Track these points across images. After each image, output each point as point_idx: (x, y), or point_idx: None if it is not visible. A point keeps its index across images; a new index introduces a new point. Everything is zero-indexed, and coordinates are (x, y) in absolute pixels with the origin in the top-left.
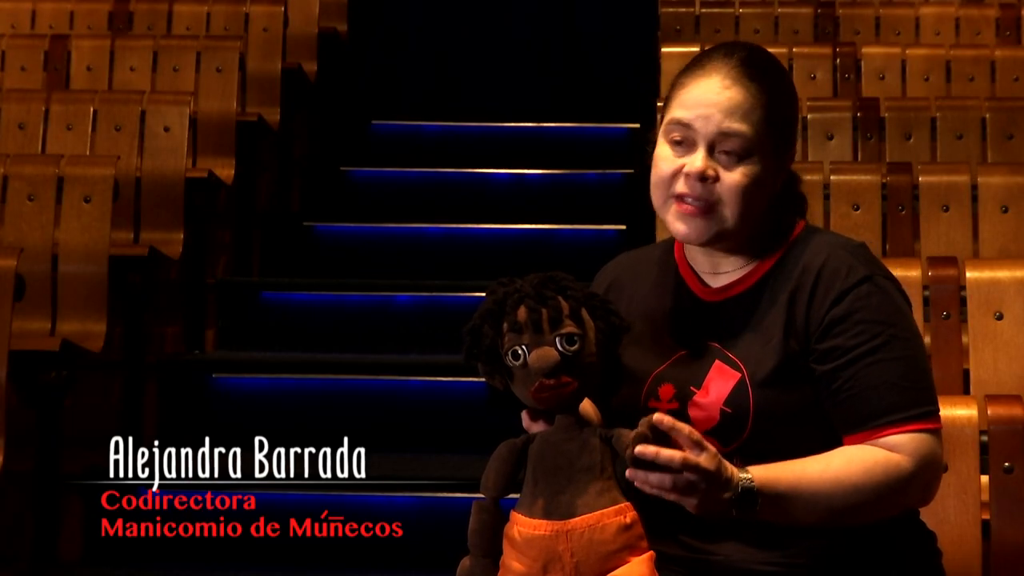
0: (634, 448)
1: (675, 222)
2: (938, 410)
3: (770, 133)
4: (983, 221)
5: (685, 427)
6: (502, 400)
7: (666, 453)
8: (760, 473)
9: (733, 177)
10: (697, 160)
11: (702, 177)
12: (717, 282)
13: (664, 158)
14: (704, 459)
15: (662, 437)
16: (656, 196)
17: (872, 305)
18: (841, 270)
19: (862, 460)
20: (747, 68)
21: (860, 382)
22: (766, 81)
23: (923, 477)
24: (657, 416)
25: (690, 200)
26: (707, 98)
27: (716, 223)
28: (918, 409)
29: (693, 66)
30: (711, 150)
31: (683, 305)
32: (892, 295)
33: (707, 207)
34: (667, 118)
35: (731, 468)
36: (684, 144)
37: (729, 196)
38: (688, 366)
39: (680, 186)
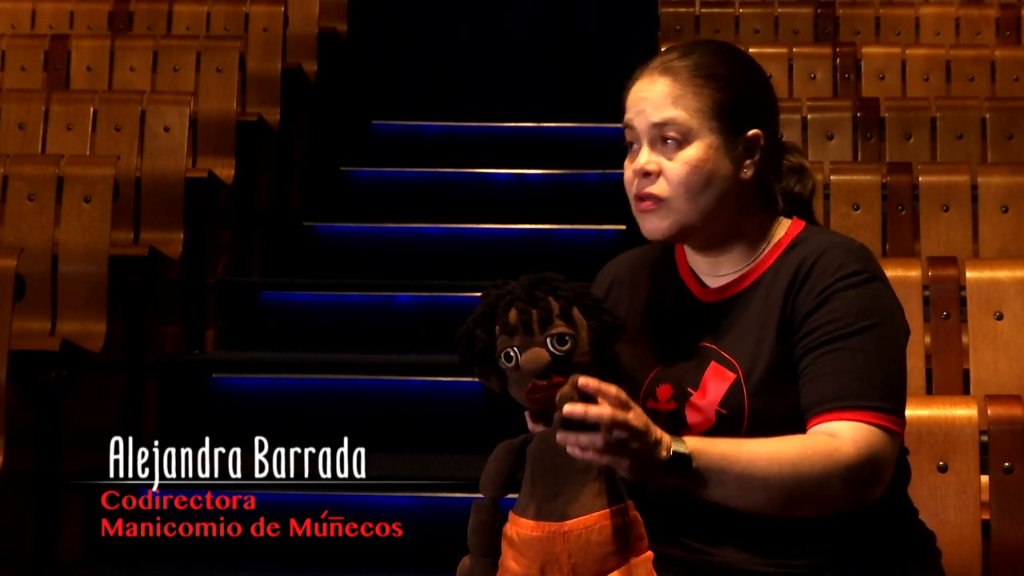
0: (561, 410)
1: (640, 223)
2: (895, 412)
3: (711, 114)
4: (983, 221)
5: (611, 388)
6: (499, 403)
7: (594, 410)
8: (693, 441)
9: (673, 167)
10: (641, 158)
11: (644, 173)
12: (715, 283)
13: (625, 167)
14: (632, 416)
15: (589, 399)
16: (630, 204)
17: (849, 297)
18: (830, 267)
19: (801, 442)
20: (678, 60)
21: (818, 368)
22: (701, 66)
23: (863, 470)
24: (583, 380)
25: (644, 197)
26: (638, 95)
27: (669, 215)
28: (868, 401)
29: (634, 73)
30: (653, 144)
31: (681, 306)
32: (879, 293)
33: (657, 201)
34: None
35: (662, 432)
36: (635, 146)
37: (672, 187)
38: (685, 367)
39: (636, 186)
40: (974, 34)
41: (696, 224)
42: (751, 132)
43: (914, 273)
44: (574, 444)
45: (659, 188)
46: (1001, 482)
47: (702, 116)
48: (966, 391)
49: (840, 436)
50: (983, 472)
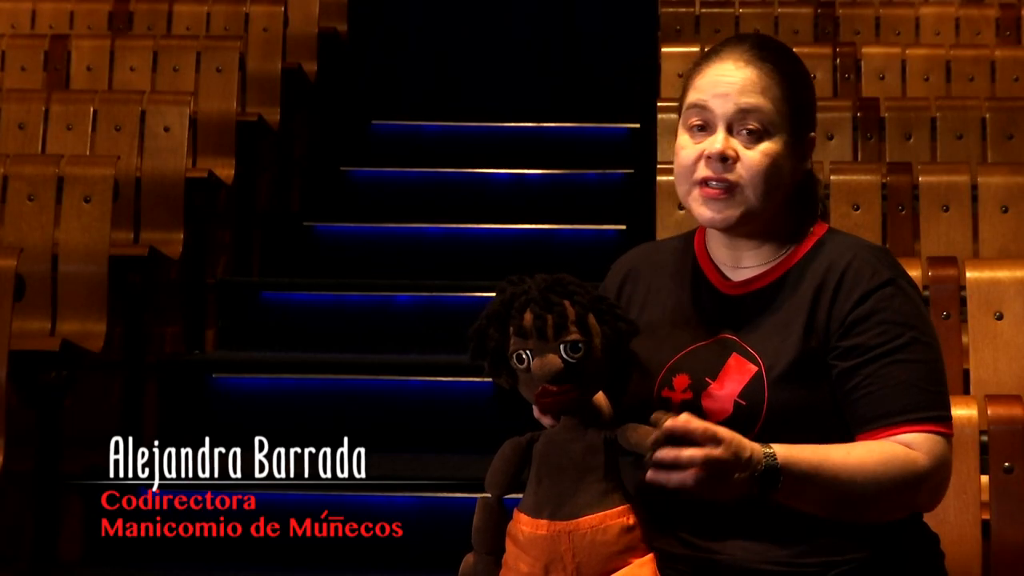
0: (653, 453)
1: (700, 208)
2: (951, 416)
3: (788, 112)
4: (983, 221)
5: (698, 425)
6: (508, 398)
7: (687, 453)
8: (783, 452)
9: (754, 157)
10: (717, 141)
11: (723, 157)
12: (738, 276)
13: (684, 146)
14: (721, 451)
15: (678, 440)
16: (680, 186)
17: (895, 307)
18: (865, 271)
19: (881, 451)
20: (759, 51)
21: (880, 380)
22: (779, 62)
23: (935, 478)
24: (669, 423)
25: (713, 183)
26: (723, 78)
27: (740, 204)
28: (935, 411)
29: (706, 56)
30: (730, 130)
31: (702, 297)
32: (914, 299)
33: (729, 189)
34: (685, 106)
35: (750, 447)
36: (704, 129)
37: (751, 176)
38: (705, 357)
39: (702, 170)
40: (974, 34)
41: (756, 215)
42: (811, 135)
43: (914, 273)
44: (666, 481)
45: (735, 175)
46: (1001, 482)
47: (784, 112)
48: (966, 391)
49: (914, 446)
50: (983, 472)
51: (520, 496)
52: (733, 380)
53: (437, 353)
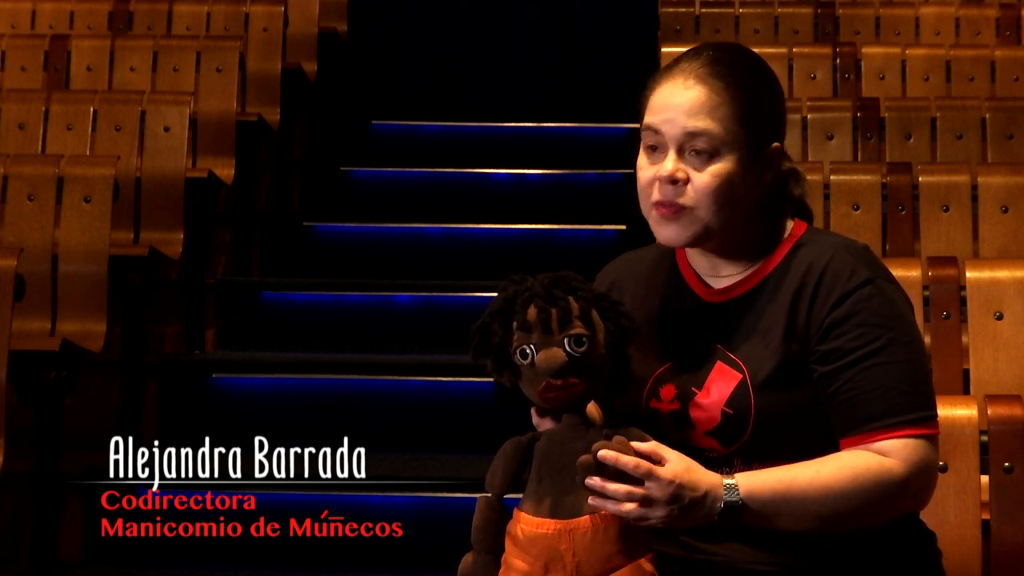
0: (582, 477)
1: (656, 228)
2: (936, 415)
3: (741, 129)
4: (983, 221)
5: (629, 460)
6: (510, 397)
7: (611, 487)
8: (747, 483)
9: (702, 179)
10: (667, 164)
11: (672, 180)
12: (719, 283)
13: (641, 167)
14: (655, 490)
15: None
16: (641, 206)
17: (873, 308)
18: (844, 272)
19: (852, 467)
20: (711, 67)
21: (857, 385)
22: (734, 77)
23: (915, 483)
24: (602, 453)
25: (665, 204)
26: (671, 100)
27: (692, 224)
28: (914, 414)
29: (661, 73)
30: (680, 152)
31: (685, 306)
32: (894, 298)
33: (679, 210)
34: (642, 126)
35: (707, 483)
36: (657, 149)
37: (701, 197)
38: (690, 367)
39: (655, 193)
40: (974, 34)
41: (714, 232)
42: (772, 146)
43: (914, 273)
44: (602, 488)
45: (685, 198)
46: (1001, 482)
47: (734, 131)
48: (966, 391)
49: (890, 454)
50: (983, 472)
51: (520, 496)
52: (718, 388)
53: (437, 353)
